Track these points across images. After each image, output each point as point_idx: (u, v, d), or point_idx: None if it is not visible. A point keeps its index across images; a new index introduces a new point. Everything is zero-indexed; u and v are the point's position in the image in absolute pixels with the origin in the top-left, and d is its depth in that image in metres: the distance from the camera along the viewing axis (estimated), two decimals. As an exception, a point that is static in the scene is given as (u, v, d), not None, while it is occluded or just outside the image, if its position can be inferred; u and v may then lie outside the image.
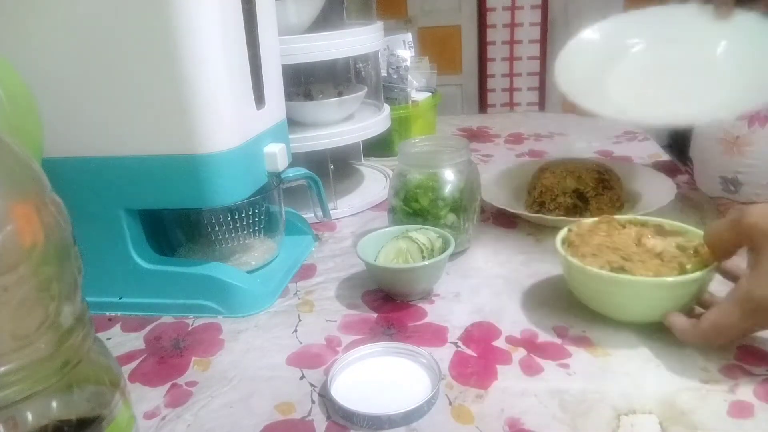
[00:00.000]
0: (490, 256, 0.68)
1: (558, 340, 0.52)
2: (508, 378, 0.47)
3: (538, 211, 0.74)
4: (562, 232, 0.56)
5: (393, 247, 0.61)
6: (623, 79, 0.50)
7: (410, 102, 1.07)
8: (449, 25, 2.82)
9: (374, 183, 0.94)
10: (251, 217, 0.63)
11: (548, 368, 0.48)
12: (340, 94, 0.87)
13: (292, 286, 0.64)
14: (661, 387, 0.45)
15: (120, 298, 0.61)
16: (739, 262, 0.47)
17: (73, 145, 0.55)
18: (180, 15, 0.49)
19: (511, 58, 2.80)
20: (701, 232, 0.49)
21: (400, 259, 0.60)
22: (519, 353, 0.50)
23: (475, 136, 1.20)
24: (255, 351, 0.53)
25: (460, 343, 0.52)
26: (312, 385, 0.48)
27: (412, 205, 0.66)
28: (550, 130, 1.20)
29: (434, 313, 0.57)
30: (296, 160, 0.69)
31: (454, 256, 0.66)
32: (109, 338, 0.57)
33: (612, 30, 0.55)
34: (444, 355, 0.50)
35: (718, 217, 0.51)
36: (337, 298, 0.61)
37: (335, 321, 0.57)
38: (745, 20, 0.51)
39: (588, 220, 0.56)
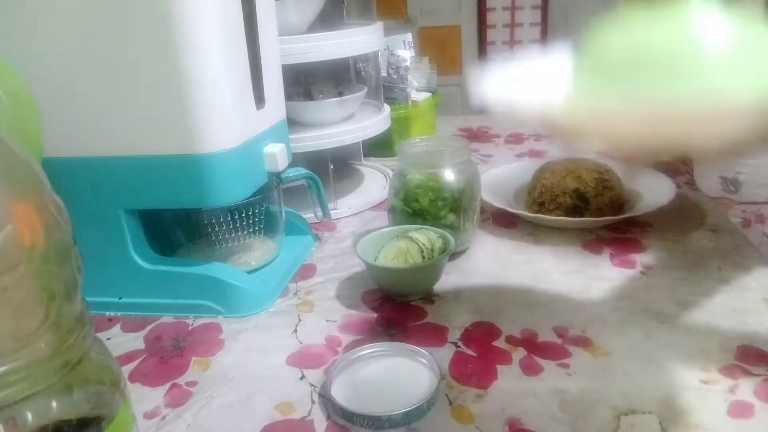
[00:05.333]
0: (490, 256, 0.68)
1: (558, 340, 0.52)
2: (508, 378, 0.47)
3: (538, 211, 0.74)
4: None
5: (393, 247, 0.61)
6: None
7: (410, 102, 1.07)
8: (449, 25, 2.82)
9: (374, 183, 0.93)
10: (251, 217, 0.63)
11: (548, 368, 0.48)
12: (340, 94, 0.87)
13: (292, 286, 0.64)
14: (661, 387, 0.45)
15: (120, 298, 0.61)
16: None
17: (73, 145, 0.55)
18: (180, 15, 0.49)
19: (511, 58, 2.80)
20: None
21: (400, 259, 0.60)
22: (519, 353, 0.50)
23: (475, 136, 1.20)
24: (255, 351, 0.53)
25: (460, 343, 0.52)
26: (312, 385, 0.48)
27: (412, 205, 0.66)
28: (550, 130, 1.20)
29: (434, 313, 0.57)
30: (296, 160, 0.69)
31: (454, 256, 0.66)
32: (109, 338, 0.57)
33: None
34: (444, 355, 0.50)
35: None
36: (337, 298, 0.61)
37: (335, 321, 0.57)
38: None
39: None
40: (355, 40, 0.79)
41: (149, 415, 0.46)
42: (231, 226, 0.63)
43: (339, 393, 0.45)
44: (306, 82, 0.92)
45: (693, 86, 0.37)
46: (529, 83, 0.45)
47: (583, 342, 0.51)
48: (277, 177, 0.65)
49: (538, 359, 0.49)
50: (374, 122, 0.85)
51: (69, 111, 0.54)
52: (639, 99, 0.36)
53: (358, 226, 0.79)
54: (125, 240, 0.58)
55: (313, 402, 0.46)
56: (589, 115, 0.38)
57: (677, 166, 0.91)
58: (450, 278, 0.63)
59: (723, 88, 0.37)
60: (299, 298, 0.62)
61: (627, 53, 0.39)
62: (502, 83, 0.43)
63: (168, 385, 0.49)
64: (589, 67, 0.42)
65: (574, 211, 0.72)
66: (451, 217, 0.66)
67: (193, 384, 0.49)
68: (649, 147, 0.40)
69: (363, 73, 0.94)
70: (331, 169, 0.84)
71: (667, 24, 0.38)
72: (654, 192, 0.75)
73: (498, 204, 0.75)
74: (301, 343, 0.54)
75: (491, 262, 0.66)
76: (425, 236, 0.61)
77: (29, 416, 0.26)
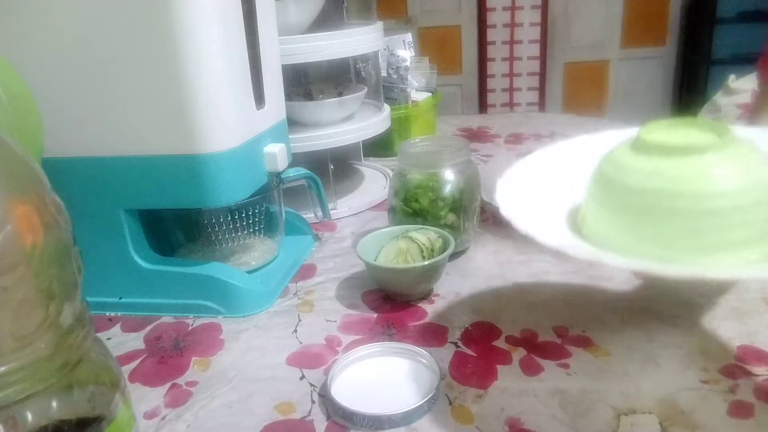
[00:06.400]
0: (490, 256, 0.68)
1: (558, 340, 0.52)
2: (508, 378, 0.47)
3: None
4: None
5: (393, 247, 0.61)
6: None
7: (410, 102, 1.07)
8: (449, 25, 2.82)
9: (374, 183, 0.94)
10: (251, 217, 0.63)
11: (548, 368, 0.48)
12: (340, 94, 0.87)
13: (292, 286, 0.64)
14: (661, 387, 0.45)
15: (120, 298, 0.61)
16: None
17: (73, 145, 0.55)
18: (180, 15, 0.49)
19: (511, 58, 2.80)
20: None
21: (400, 259, 0.60)
22: (519, 353, 0.50)
23: (475, 136, 1.20)
24: (255, 351, 0.53)
25: (460, 343, 0.52)
26: (312, 385, 0.48)
27: (412, 205, 0.66)
28: (550, 130, 1.20)
29: (434, 313, 0.57)
30: (296, 160, 0.69)
31: (454, 256, 0.66)
32: (109, 338, 0.57)
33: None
34: (444, 355, 0.50)
35: None
36: (337, 298, 0.61)
37: (335, 321, 0.57)
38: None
39: None
40: (355, 40, 0.79)
41: (149, 415, 0.46)
42: (231, 226, 0.63)
43: (339, 393, 0.45)
44: (306, 82, 0.92)
45: (693, 242, 0.37)
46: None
47: (583, 342, 0.51)
48: (277, 177, 0.65)
49: (538, 359, 0.49)
50: (374, 122, 0.85)
51: (69, 111, 0.54)
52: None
53: (358, 226, 0.79)
54: (125, 240, 0.58)
55: (313, 402, 0.46)
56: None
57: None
58: (450, 278, 0.63)
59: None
60: (299, 298, 0.62)
61: (640, 197, 0.38)
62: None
63: (168, 385, 0.49)
64: (603, 200, 0.41)
65: (574, 211, 0.72)
66: (451, 217, 0.66)
67: (193, 384, 0.49)
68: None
69: (363, 73, 0.94)
70: (331, 169, 0.84)
71: (685, 173, 0.37)
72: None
73: (498, 204, 0.75)
74: (301, 343, 0.54)
75: (491, 262, 0.66)
76: (425, 236, 0.61)
77: (29, 416, 0.26)
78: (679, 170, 0.37)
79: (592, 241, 0.41)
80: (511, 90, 2.86)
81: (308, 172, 0.69)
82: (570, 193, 0.45)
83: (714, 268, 0.36)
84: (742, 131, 0.41)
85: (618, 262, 0.36)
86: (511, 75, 2.83)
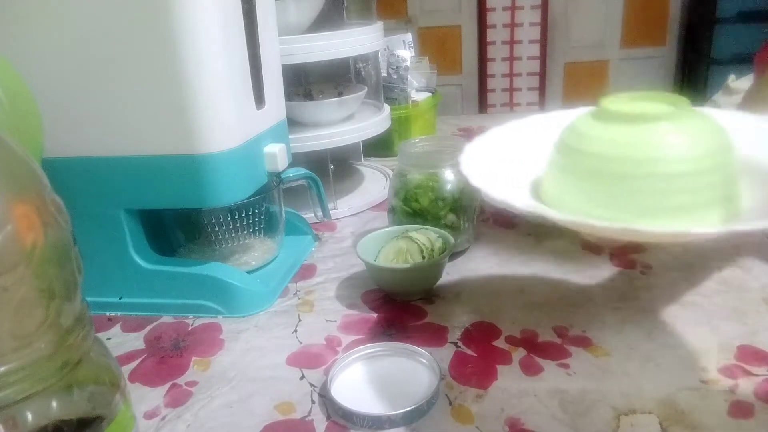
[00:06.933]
0: (490, 256, 0.68)
1: (558, 340, 0.52)
2: (508, 378, 0.47)
3: (538, 211, 0.74)
4: None
5: (393, 247, 0.61)
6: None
7: (410, 102, 1.07)
8: (449, 25, 2.82)
9: (374, 183, 0.93)
10: (251, 217, 0.63)
11: (548, 368, 0.48)
12: (340, 94, 0.87)
13: (292, 286, 0.64)
14: (661, 387, 0.45)
15: (120, 298, 0.61)
16: None
17: (73, 145, 0.55)
18: (180, 15, 0.49)
19: (511, 58, 2.80)
20: None
21: (400, 259, 0.60)
22: (519, 353, 0.50)
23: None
24: (255, 351, 0.53)
25: (460, 343, 0.52)
26: (312, 385, 0.48)
27: (412, 205, 0.66)
28: (550, 130, 1.20)
29: (434, 313, 0.57)
30: (296, 160, 0.69)
31: (454, 256, 0.66)
32: (109, 338, 0.57)
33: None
34: (444, 355, 0.50)
35: None
36: (337, 298, 0.61)
37: (335, 321, 0.57)
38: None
39: None
40: (355, 40, 0.79)
41: (149, 415, 0.46)
42: (231, 226, 0.63)
43: (339, 393, 0.45)
44: (306, 82, 0.92)
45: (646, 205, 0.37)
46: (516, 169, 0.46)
47: (583, 342, 0.51)
48: (277, 177, 0.65)
49: (538, 359, 0.49)
50: (374, 122, 0.85)
51: (69, 111, 0.54)
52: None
53: (358, 226, 0.79)
54: (125, 240, 0.58)
55: (313, 402, 0.46)
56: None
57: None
58: (450, 278, 0.63)
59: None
60: (299, 298, 0.62)
61: (595, 162, 0.39)
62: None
63: (168, 385, 0.49)
64: (563, 166, 0.42)
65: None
66: (451, 217, 0.66)
67: (193, 384, 0.49)
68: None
69: (363, 73, 0.94)
70: (331, 169, 0.84)
71: (645, 138, 0.38)
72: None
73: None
74: (301, 343, 0.54)
75: (491, 262, 0.66)
76: (425, 236, 0.61)
77: (29, 416, 0.26)
78: (631, 137, 0.38)
79: (549, 205, 0.42)
80: (511, 90, 2.86)
81: (308, 172, 0.69)
82: (538, 164, 0.45)
83: (644, 224, 0.36)
84: (718, 113, 0.41)
85: (557, 216, 0.37)
86: (511, 75, 2.83)
